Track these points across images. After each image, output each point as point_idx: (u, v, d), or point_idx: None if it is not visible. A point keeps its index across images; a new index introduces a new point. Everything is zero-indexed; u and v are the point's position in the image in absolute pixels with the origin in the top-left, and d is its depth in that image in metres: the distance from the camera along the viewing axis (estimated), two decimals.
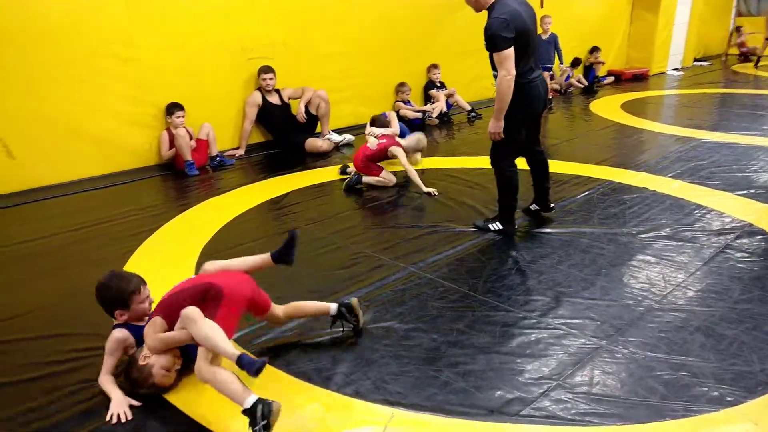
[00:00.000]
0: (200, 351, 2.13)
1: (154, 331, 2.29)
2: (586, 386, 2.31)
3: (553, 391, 2.29)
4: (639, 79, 10.89)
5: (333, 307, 2.72)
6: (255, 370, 1.99)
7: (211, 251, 3.65)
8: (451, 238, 3.81)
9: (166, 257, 3.61)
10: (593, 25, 10.49)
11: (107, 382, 2.30)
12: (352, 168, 5.19)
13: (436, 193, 4.65)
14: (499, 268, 3.37)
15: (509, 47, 3.27)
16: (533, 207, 4.09)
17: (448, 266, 3.40)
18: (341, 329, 2.73)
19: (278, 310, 2.65)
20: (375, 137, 5.15)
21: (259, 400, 1.99)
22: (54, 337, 2.73)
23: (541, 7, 9.28)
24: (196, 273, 3.31)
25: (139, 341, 2.37)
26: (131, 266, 3.44)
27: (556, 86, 9.69)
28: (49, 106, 4.86)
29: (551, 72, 8.91)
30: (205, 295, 2.31)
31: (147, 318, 2.42)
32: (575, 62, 9.99)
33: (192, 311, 2.18)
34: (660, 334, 2.66)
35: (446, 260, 3.48)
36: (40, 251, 3.75)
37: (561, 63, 9.19)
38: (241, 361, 2.02)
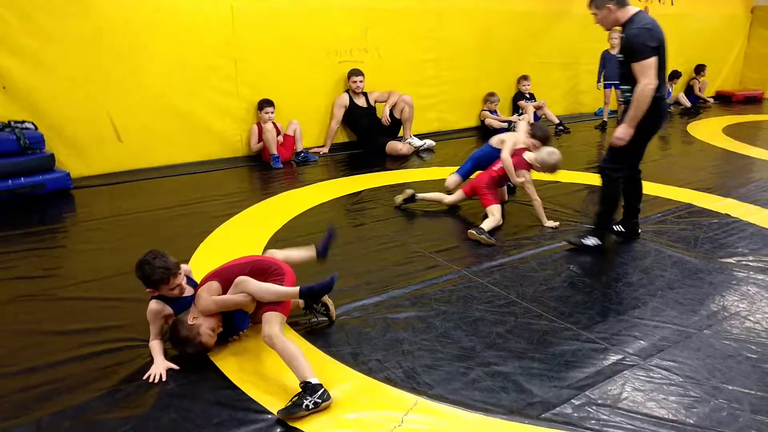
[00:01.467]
0: (272, 320, 2.41)
1: (209, 293, 2.54)
2: (613, 400, 2.30)
3: (577, 400, 2.30)
4: (752, 101, 10.21)
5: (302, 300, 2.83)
6: (325, 287, 2.47)
7: (278, 238, 3.91)
8: (509, 246, 3.84)
9: (238, 239, 3.92)
10: (705, 42, 9.95)
11: (154, 347, 2.56)
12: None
13: (556, 225, 4.19)
14: (551, 279, 3.37)
15: (653, 56, 3.31)
16: (617, 228, 3.98)
17: (501, 273, 3.45)
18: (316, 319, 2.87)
19: None
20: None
21: (322, 385, 2.23)
22: (125, 300, 3.06)
23: None
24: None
25: (175, 312, 2.59)
26: (206, 244, 3.79)
27: None
28: (158, 97, 5.42)
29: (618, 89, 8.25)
30: (268, 270, 2.63)
31: (180, 295, 2.61)
32: (674, 75, 9.54)
33: (246, 277, 2.52)
34: (704, 360, 2.57)
35: (500, 267, 3.52)
36: (134, 225, 4.19)
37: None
38: (306, 289, 2.47)
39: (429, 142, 6.69)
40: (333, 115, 6.42)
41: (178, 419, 2.19)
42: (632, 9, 3.47)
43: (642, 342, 2.71)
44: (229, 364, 2.52)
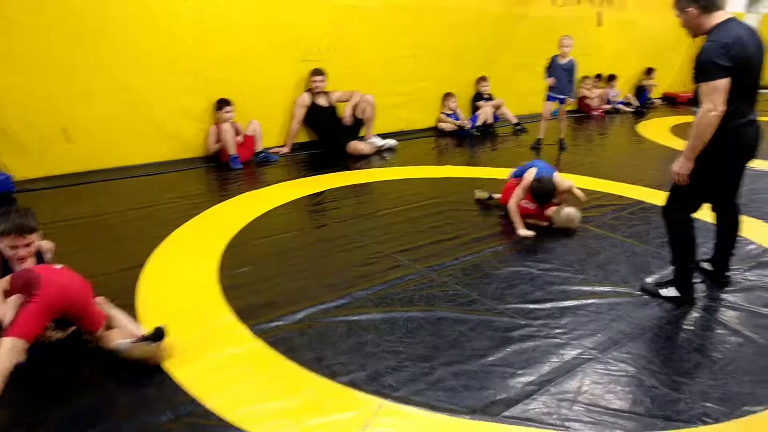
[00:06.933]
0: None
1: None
2: (573, 394, 2.35)
3: (540, 396, 2.35)
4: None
5: (140, 330, 2.60)
6: None
7: (239, 241, 3.86)
8: (470, 245, 3.88)
9: (196, 242, 3.84)
10: (653, 46, 10.28)
11: None
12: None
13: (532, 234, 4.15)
14: (512, 276, 3.42)
15: (723, 77, 2.70)
16: (705, 265, 3.47)
17: (463, 271, 3.48)
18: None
19: (111, 333, 2.55)
20: None
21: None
22: None
23: (598, 25, 9.22)
24: (222, 259, 3.55)
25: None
26: (162, 248, 3.70)
27: (608, 107, 9.60)
28: (112, 94, 5.22)
29: (564, 103, 7.01)
30: (27, 283, 2.39)
31: (14, 260, 2.59)
32: (611, 77, 9.87)
33: (13, 303, 2.37)
34: (658, 351, 2.67)
35: (462, 265, 3.56)
36: (84, 230, 4.05)
37: (571, 95, 7.11)
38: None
39: (391, 142, 6.71)
40: (294, 115, 6.37)
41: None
42: (721, 16, 2.84)
43: (599, 335, 2.78)
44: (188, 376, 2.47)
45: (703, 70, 2.76)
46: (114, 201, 4.62)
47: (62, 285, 2.42)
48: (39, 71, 4.81)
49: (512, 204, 4.26)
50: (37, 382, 2.38)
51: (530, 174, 4.30)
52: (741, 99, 2.81)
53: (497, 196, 4.69)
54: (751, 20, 10.84)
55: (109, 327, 2.57)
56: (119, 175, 5.28)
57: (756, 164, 5.59)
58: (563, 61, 6.75)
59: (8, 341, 2.21)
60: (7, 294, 2.46)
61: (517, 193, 4.28)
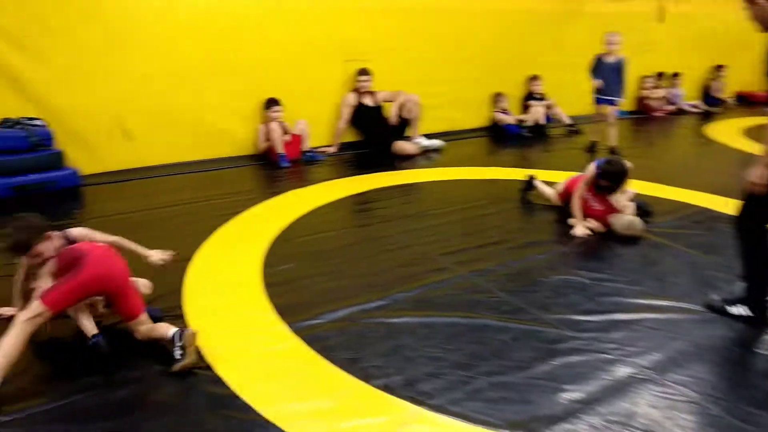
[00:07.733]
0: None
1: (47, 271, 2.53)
2: (623, 416, 2.17)
3: (587, 415, 2.18)
4: None
5: (170, 332, 2.49)
6: None
7: (284, 237, 3.85)
8: (518, 249, 3.72)
9: (242, 238, 3.85)
10: (722, 40, 9.68)
11: None
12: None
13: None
14: (561, 285, 3.24)
15: None
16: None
17: (508, 277, 3.32)
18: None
19: (142, 327, 2.57)
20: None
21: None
22: None
23: (662, 21, 8.80)
24: (266, 256, 3.52)
25: None
26: (210, 243, 3.73)
27: (672, 108, 9.17)
28: (167, 95, 5.40)
29: (615, 105, 6.41)
30: (70, 263, 2.45)
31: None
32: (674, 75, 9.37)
33: (36, 306, 2.31)
34: (724, 376, 2.45)
35: (508, 271, 3.40)
36: (141, 222, 4.14)
37: (620, 96, 6.41)
38: None
39: (437, 142, 6.58)
40: (340, 115, 6.33)
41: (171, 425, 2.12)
42: None
43: (655, 353, 2.58)
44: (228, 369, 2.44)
45: None
46: (168, 196, 4.71)
47: (103, 269, 2.48)
48: (93, 81, 5.04)
49: (576, 197, 4.04)
50: (81, 365, 2.43)
51: (592, 167, 4.07)
52: None
53: (550, 191, 4.51)
54: None
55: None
56: (174, 171, 5.40)
57: None
58: (610, 59, 6.22)
59: (36, 305, 2.30)
60: (55, 275, 2.48)
61: (580, 186, 4.05)
